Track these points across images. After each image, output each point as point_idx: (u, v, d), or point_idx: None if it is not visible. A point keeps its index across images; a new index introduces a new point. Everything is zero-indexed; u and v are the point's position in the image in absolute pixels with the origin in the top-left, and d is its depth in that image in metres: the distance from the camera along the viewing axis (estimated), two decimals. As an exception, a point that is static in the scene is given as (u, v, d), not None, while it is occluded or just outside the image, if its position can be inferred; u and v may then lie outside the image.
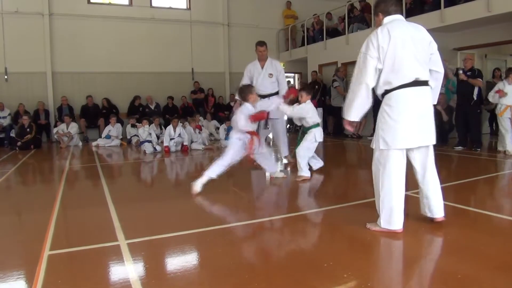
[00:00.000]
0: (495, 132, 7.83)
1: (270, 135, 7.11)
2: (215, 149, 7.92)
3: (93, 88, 10.89)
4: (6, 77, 10.17)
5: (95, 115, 10.53)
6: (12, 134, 9.17)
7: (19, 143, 8.71)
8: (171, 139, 7.75)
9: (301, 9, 13.17)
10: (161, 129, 8.92)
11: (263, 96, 5.19)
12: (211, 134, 9.84)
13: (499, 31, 7.48)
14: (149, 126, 8.40)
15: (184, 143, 7.87)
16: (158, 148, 7.84)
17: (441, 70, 2.75)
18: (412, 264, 2.27)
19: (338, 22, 11.35)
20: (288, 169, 5.39)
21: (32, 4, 10.20)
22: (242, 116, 4.19)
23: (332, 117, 10.36)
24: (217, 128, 10.11)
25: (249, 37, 11.42)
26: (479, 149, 6.64)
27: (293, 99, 4.76)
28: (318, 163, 5.01)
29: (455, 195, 3.77)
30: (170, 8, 11.89)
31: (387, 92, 2.59)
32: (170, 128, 7.85)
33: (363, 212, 3.14)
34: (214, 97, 11.88)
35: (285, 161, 5.87)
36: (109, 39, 11.01)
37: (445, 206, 2.82)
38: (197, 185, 4.01)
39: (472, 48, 8.12)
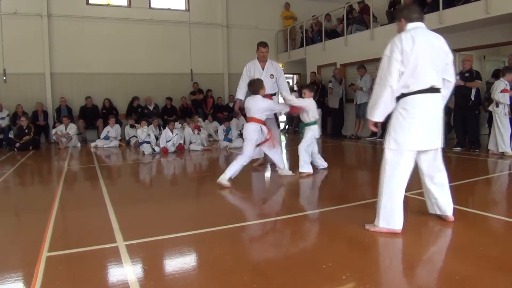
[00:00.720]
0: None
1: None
2: (213, 150, 7.91)
3: (92, 89, 10.89)
4: (4, 78, 10.16)
5: (93, 116, 10.53)
6: (11, 135, 9.14)
7: (17, 144, 8.69)
8: (167, 141, 7.78)
9: (300, 11, 13.19)
10: (160, 130, 8.90)
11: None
12: (210, 135, 9.83)
13: (497, 32, 7.49)
14: (148, 127, 8.39)
15: (179, 141, 7.90)
16: (157, 149, 7.84)
17: (453, 80, 2.84)
18: (411, 265, 2.26)
19: (337, 23, 11.36)
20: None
21: (30, 5, 10.18)
22: (271, 101, 4.77)
23: (331, 118, 10.36)
24: (216, 131, 10.09)
25: (248, 38, 11.46)
26: (477, 150, 6.64)
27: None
28: (322, 164, 5.25)
29: (454, 196, 3.74)
30: (169, 9, 11.89)
31: (404, 95, 2.65)
32: (167, 131, 7.88)
33: (363, 213, 3.15)
34: (213, 98, 11.88)
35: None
36: (107, 40, 11.00)
37: (445, 207, 2.82)
38: (224, 180, 4.29)
39: (471, 50, 8.11)
